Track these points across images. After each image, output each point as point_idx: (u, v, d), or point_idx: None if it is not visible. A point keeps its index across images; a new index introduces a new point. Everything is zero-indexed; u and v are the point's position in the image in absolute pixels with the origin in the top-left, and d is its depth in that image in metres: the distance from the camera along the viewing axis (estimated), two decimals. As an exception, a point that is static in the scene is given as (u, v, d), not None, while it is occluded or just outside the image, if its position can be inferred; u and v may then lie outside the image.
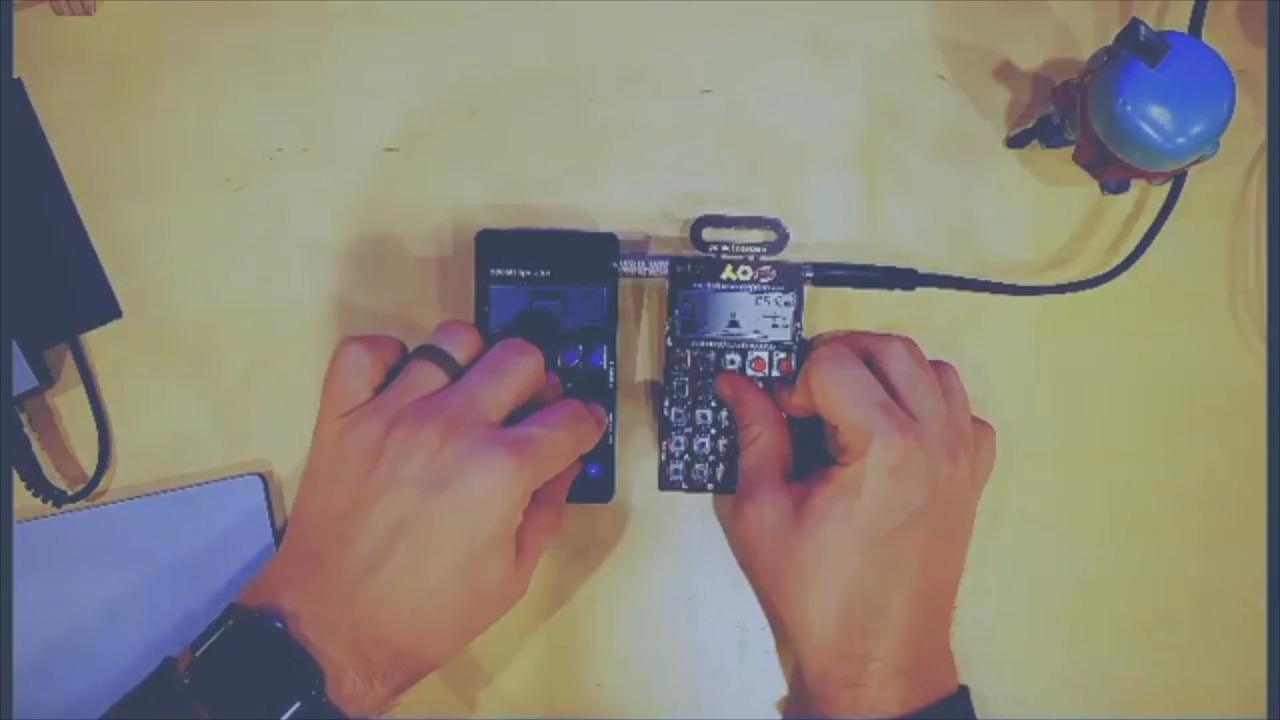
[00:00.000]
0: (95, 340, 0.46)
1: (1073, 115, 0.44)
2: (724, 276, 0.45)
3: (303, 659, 0.35)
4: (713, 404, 0.45)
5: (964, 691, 0.41)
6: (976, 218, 0.48)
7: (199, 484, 0.45)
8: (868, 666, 0.38)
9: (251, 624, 0.35)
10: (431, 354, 0.39)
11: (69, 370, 0.46)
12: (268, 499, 0.45)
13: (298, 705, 0.34)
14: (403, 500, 0.36)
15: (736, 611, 0.46)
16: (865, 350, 0.42)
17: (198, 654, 0.35)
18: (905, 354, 0.41)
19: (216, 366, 0.46)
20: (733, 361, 0.45)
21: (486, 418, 0.37)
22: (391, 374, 0.39)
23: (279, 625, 0.35)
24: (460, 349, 0.39)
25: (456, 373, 0.39)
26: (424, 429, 0.36)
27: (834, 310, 0.47)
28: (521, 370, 0.39)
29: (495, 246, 0.44)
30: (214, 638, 0.36)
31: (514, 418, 0.39)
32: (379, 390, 0.39)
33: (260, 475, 0.45)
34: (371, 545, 0.36)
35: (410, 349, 0.40)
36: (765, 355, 0.45)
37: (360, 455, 0.37)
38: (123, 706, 0.35)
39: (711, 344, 0.45)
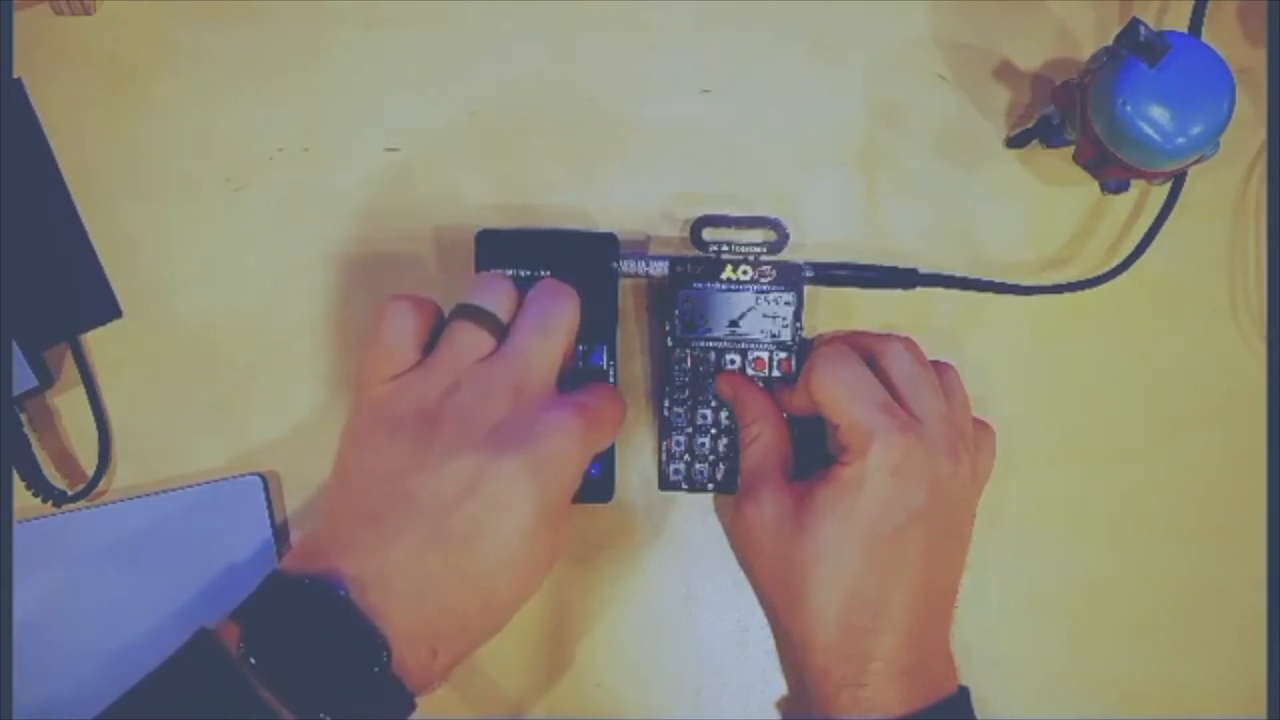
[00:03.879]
0: (95, 340, 0.46)
1: (1073, 115, 0.44)
2: (724, 276, 0.45)
3: (368, 631, 0.33)
4: (713, 404, 0.45)
5: (964, 692, 0.40)
6: (976, 218, 0.48)
7: (199, 484, 0.45)
8: (868, 666, 0.38)
9: (312, 592, 0.33)
10: (473, 314, 0.38)
11: (69, 370, 0.46)
12: (268, 499, 0.45)
13: (361, 680, 0.33)
14: (473, 462, 0.35)
15: (736, 611, 0.46)
16: (866, 350, 0.42)
17: (249, 621, 0.34)
18: (906, 354, 0.41)
19: (216, 366, 0.46)
20: (733, 361, 0.45)
21: (547, 380, 0.37)
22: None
23: (342, 594, 0.33)
24: (500, 304, 0.39)
25: (500, 330, 0.38)
26: (488, 394, 0.36)
27: (834, 310, 0.47)
28: (568, 317, 0.39)
29: (495, 246, 0.44)
30: (266, 605, 0.34)
31: None
32: (425, 352, 0.38)
33: (260, 475, 0.45)
34: (440, 506, 0.35)
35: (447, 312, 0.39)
36: (765, 355, 0.45)
37: (419, 418, 0.36)
38: (158, 677, 0.33)
39: (711, 344, 0.45)
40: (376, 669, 0.33)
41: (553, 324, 0.38)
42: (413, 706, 0.35)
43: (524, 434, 0.35)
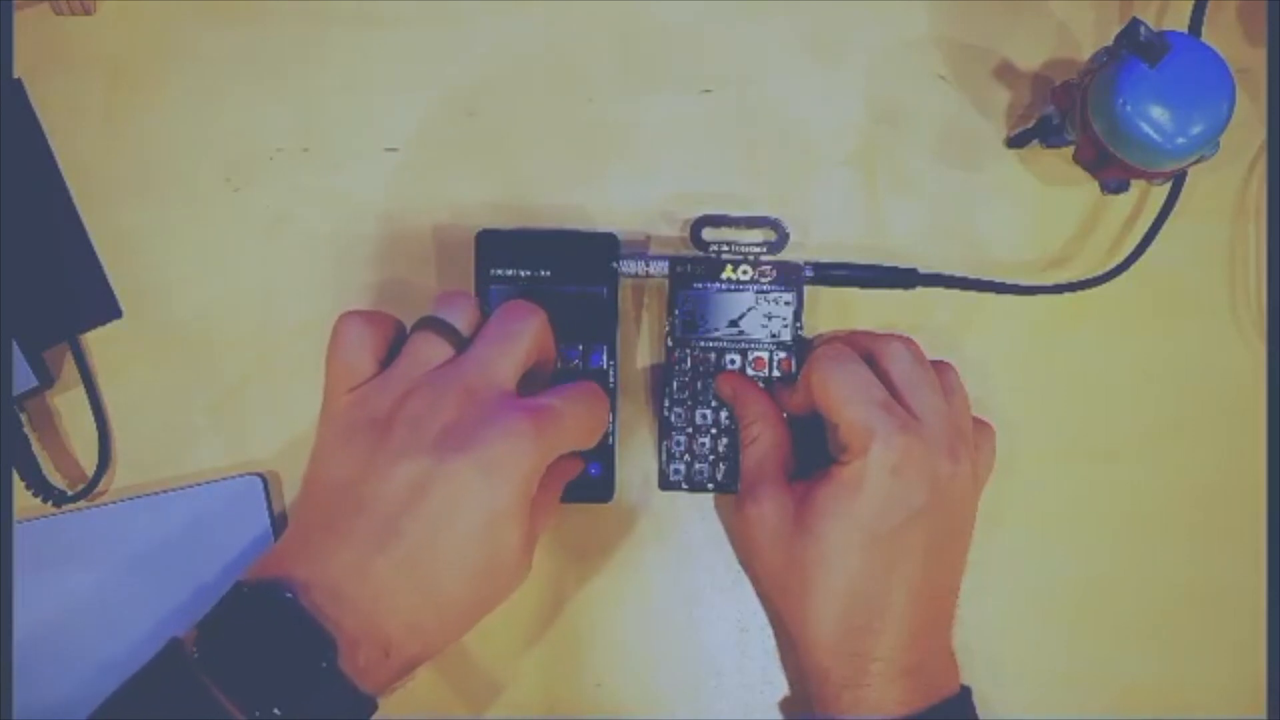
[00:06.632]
0: (95, 340, 0.46)
1: (1073, 115, 0.44)
2: (724, 276, 0.45)
3: (314, 630, 0.34)
4: (713, 404, 0.45)
5: (966, 692, 0.41)
6: (976, 218, 0.48)
7: (199, 484, 0.45)
8: (870, 666, 0.38)
9: (260, 596, 0.34)
10: (434, 325, 0.38)
11: (69, 370, 0.46)
12: (268, 499, 0.45)
13: (309, 677, 0.33)
14: (420, 465, 0.35)
15: (736, 611, 0.46)
16: (866, 350, 0.42)
17: (205, 628, 0.34)
18: (906, 353, 0.41)
19: (216, 366, 0.46)
20: (733, 361, 0.45)
21: (501, 385, 0.37)
22: (393, 350, 0.39)
23: (289, 596, 0.34)
24: (461, 318, 0.39)
25: (460, 342, 0.38)
26: (439, 398, 0.36)
27: (834, 310, 0.47)
28: (529, 332, 0.39)
29: (495, 246, 0.44)
30: (221, 612, 0.35)
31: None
32: (383, 364, 0.38)
33: (260, 475, 0.45)
34: (387, 510, 0.35)
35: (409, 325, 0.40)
36: (765, 355, 0.45)
37: (372, 426, 0.36)
38: (129, 685, 0.35)
39: (711, 344, 0.45)
40: (324, 665, 0.33)
41: (512, 333, 0.38)
42: (373, 706, 0.35)
43: (472, 436, 0.35)
